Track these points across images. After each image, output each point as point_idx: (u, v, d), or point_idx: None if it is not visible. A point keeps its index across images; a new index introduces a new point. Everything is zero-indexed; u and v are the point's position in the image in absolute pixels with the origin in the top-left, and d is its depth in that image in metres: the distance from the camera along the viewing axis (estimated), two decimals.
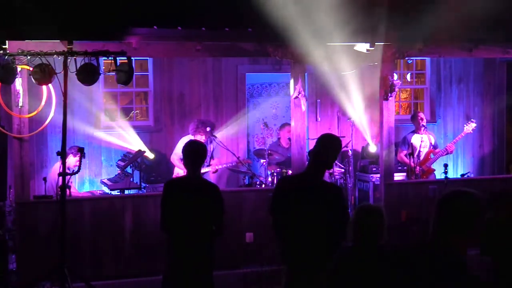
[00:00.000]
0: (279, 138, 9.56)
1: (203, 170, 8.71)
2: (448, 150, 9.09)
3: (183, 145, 8.65)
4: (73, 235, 6.83)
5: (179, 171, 8.67)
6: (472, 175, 10.35)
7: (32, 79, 6.33)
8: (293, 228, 4.60)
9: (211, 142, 8.72)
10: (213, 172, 8.90)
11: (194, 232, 5.15)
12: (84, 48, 6.46)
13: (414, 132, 9.23)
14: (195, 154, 5.28)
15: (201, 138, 8.43)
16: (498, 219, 3.50)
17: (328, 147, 4.66)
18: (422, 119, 9.13)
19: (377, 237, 3.83)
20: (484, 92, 10.92)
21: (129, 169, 8.56)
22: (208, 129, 8.63)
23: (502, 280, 3.41)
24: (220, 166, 8.86)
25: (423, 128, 9.11)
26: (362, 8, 6.95)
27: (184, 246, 5.17)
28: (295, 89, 7.70)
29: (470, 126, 9.16)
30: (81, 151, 6.40)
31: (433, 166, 9.21)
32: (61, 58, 6.27)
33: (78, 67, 6.24)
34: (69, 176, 6.23)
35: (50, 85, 6.62)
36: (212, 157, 8.89)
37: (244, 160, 9.11)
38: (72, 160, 7.82)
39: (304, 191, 4.56)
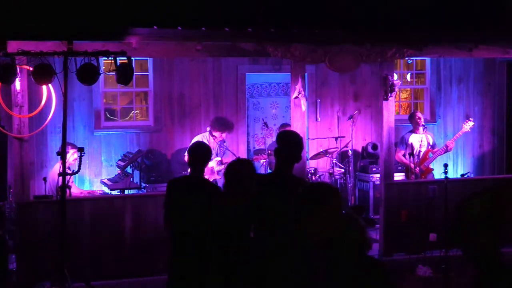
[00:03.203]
0: None
1: (218, 168, 8.76)
2: (448, 147, 9.06)
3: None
4: (73, 235, 6.82)
5: None
6: (472, 175, 10.36)
7: (32, 79, 6.34)
8: (270, 224, 4.60)
9: (224, 142, 8.77)
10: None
11: (198, 231, 5.17)
12: (84, 48, 6.46)
13: (411, 132, 9.23)
14: (202, 155, 5.43)
15: (218, 136, 8.63)
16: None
17: (291, 141, 4.73)
18: (420, 118, 9.11)
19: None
20: (484, 92, 10.92)
21: (129, 169, 8.56)
22: (208, 128, 8.68)
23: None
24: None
25: (422, 128, 9.10)
26: (362, 7, 6.96)
27: (187, 245, 5.21)
28: (295, 89, 7.69)
29: (468, 125, 9.16)
30: (80, 151, 6.41)
31: (433, 166, 9.21)
32: (61, 58, 6.28)
33: (78, 67, 6.24)
34: (69, 176, 6.23)
35: (50, 85, 6.62)
36: (223, 155, 8.94)
37: (257, 157, 9.12)
38: (70, 158, 7.74)
39: (277, 188, 4.60)
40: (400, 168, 9.29)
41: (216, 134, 8.64)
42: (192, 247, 5.18)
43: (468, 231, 3.04)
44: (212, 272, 5.20)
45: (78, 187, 8.72)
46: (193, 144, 5.62)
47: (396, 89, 7.89)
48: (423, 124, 9.13)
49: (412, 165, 8.71)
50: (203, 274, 5.20)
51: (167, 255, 5.42)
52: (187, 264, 5.20)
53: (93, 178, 9.31)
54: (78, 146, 7.19)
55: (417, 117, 9.13)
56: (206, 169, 8.68)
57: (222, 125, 8.70)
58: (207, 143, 8.73)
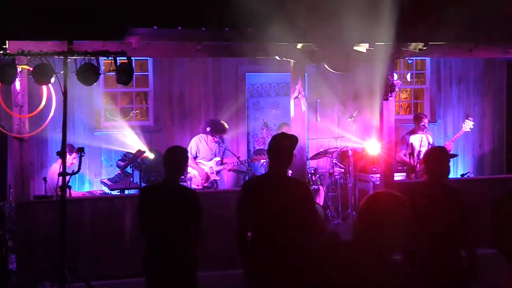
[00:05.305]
0: None
1: (217, 168, 8.76)
2: (447, 149, 9.09)
3: (195, 145, 8.76)
4: (73, 235, 6.82)
5: (194, 171, 8.68)
6: (472, 175, 10.36)
7: (32, 79, 6.34)
8: (268, 224, 4.60)
9: (223, 141, 8.77)
10: (228, 170, 8.97)
11: (172, 236, 5.14)
12: (84, 48, 6.47)
13: (412, 132, 9.24)
14: (176, 161, 5.14)
15: (213, 138, 8.65)
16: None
17: (283, 143, 4.71)
18: (424, 125, 9.17)
19: None
20: (484, 92, 10.92)
21: (129, 169, 8.56)
22: (208, 129, 8.68)
23: None
24: (233, 165, 8.90)
25: (424, 129, 9.15)
26: (362, 7, 6.95)
27: (164, 249, 5.18)
28: (295, 89, 7.70)
29: (468, 125, 9.17)
30: (80, 151, 6.41)
31: None
32: (61, 58, 6.28)
33: (78, 67, 6.24)
34: (69, 177, 6.23)
35: (50, 85, 6.62)
36: (223, 155, 8.94)
37: (257, 157, 9.13)
38: (68, 159, 7.71)
39: (273, 189, 4.59)
40: (400, 168, 9.29)
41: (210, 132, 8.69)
42: (169, 250, 5.14)
43: (503, 229, 3.10)
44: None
45: (76, 191, 8.71)
46: (166, 150, 5.30)
47: (396, 89, 7.90)
48: (425, 126, 9.19)
49: (412, 163, 8.72)
50: (180, 276, 5.20)
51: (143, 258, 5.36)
52: (165, 267, 5.19)
53: (93, 178, 9.31)
54: (78, 146, 7.18)
55: (422, 123, 9.16)
56: (204, 170, 8.71)
57: (215, 126, 8.71)
58: (205, 143, 8.76)
